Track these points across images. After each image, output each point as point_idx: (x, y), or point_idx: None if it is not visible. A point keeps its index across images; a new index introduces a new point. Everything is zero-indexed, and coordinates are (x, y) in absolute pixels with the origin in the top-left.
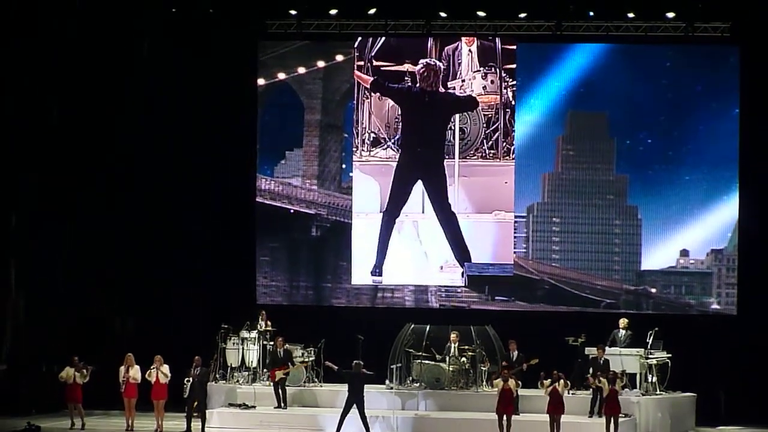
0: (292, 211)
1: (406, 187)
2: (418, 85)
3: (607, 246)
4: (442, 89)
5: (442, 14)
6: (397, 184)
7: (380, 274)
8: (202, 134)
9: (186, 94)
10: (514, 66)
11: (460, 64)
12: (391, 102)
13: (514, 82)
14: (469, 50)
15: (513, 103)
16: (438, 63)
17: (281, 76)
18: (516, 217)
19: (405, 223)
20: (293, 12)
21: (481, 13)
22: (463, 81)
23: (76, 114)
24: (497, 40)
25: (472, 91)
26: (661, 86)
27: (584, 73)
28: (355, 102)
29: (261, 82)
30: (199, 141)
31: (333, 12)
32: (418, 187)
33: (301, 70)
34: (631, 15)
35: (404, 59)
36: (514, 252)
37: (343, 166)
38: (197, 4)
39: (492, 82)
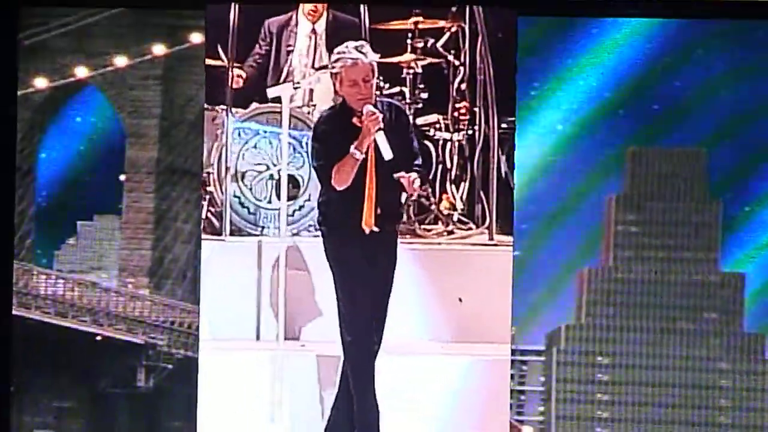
0: (99, 337)
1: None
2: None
3: (707, 412)
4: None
5: None
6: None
7: None
8: None
9: None
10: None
11: None
12: None
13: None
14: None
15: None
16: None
17: (80, 72)
18: (520, 353)
19: None
20: None
21: None
22: None
23: None
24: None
25: None
26: None
27: (655, 68)
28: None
29: (40, 83)
30: None
31: None
32: None
33: (120, 61)
34: None
35: None
36: (518, 419)
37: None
38: None
39: None
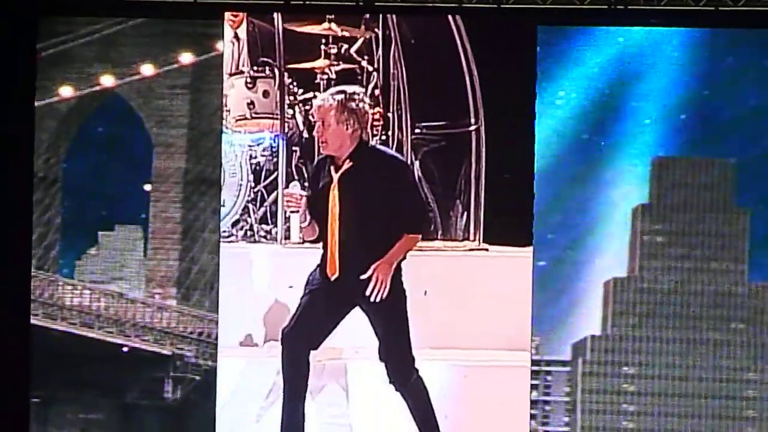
0: (125, 349)
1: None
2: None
3: (733, 423)
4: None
5: None
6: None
7: None
8: None
9: None
10: None
11: None
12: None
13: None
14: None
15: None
16: None
17: (106, 81)
18: (545, 363)
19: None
20: None
21: None
22: None
23: None
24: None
25: None
26: None
27: (683, 77)
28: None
29: (65, 93)
30: None
31: None
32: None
33: (146, 70)
34: None
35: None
36: (543, 429)
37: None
38: None
39: None
